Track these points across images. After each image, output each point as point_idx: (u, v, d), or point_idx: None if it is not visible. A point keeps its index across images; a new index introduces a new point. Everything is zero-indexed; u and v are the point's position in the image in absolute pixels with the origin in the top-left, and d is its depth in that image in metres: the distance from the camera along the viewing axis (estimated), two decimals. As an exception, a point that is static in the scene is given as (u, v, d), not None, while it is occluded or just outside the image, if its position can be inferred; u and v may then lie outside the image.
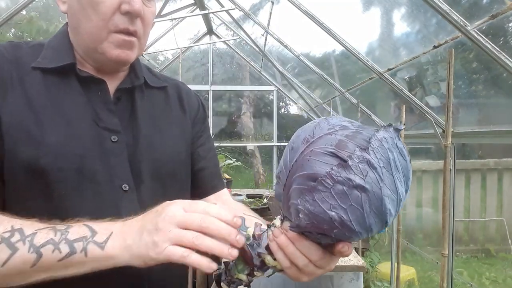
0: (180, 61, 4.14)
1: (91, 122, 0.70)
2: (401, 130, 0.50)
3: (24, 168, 0.64)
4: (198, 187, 0.88)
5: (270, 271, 0.58)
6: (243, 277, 0.59)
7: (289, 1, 2.66)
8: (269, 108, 5.58)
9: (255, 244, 0.58)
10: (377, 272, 3.25)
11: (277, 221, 0.57)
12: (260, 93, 5.77)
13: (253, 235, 0.58)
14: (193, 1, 3.66)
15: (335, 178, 0.45)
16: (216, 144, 5.08)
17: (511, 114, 2.07)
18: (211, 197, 0.89)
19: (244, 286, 0.60)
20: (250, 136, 5.86)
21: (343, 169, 0.45)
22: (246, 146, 5.75)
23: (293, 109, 6.70)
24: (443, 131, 2.34)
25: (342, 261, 1.46)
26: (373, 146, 0.46)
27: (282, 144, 5.41)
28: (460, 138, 2.37)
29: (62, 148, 0.66)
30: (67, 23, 0.77)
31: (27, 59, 0.70)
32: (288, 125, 6.26)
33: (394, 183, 0.47)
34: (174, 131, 0.83)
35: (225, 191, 0.91)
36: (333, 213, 0.46)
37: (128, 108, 0.77)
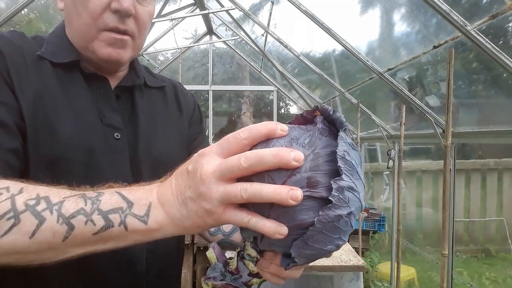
0: (180, 61, 4.14)
1: (96, 118, 0.70)
2: (344, 124, 0.48)
3: (40, 156, 0.63)
4: None
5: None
6: None
7: (289, 1, 2.66)
8: (269, 108, 5.58)
9: (236, 277, 0.58)
10: (377, 272, 3.25)
11: (251, 251, 0.57)
12: (260, 93, 5.77)
13: (230, 271, 0.59)
14: (193, 1, 3.66)
15: (325, 221, 0.44)
16: (216, 144, 5.08)
17: (511, 114, 2.07)
18: None
19: None
20: (250, 136, 5.86)
21: (329, 210, 0.44)
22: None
23: (293, 109, 6.70)
24: (443, 131, 2.34)
25: (342, 261, 1.46)
26: (342, 168, 0.44)
27: (282, 144, 5.40)
28: (460, 138, 2.37)
29: (73, 139, 0.65)
30: (63, 20, 0.76)
31: (32, 48, 0.69)
32: (288, 125, 6.25)
33: (362, 181, 0.47)
34: (171, 132, 0.83)
35: None
36: (330, 246, 0.47)
37: (128, 107, 0.77)
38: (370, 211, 3.14)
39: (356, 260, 1.48)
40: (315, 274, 1.47)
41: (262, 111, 5.94)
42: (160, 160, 0.76)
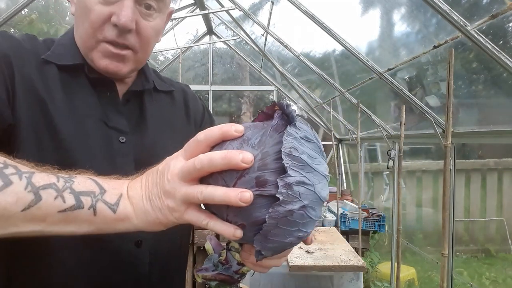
0: (180, 61, 4.14)
1: (100, 121, 0.70)
2: (296, 120, 0.48)
3: (43, 160, 0.62)
4: None
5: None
6: None
7: (289, 1, 2.66)
8: (269, 108, 5.58)
9: (227, 267, 0.62)
10: (377, 272, 3.25)
11: (235, 244, 0.60)
12: (260, 93, 5.77)
13: (221, 262, 0.62)
14: (193, 1, 3.66)
15: (277, 217, 0.45)
16: (216, 144, 5.08)
17: (511, 114, 2.07)
18: None
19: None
20: (250, 136, 5.86)
21: (279, 206, 0.45)
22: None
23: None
24: (443, 131, 2.34)
25: (342, 261, 1.46)
26: (288, 165, 0.45)
27: (282, 144, 5.40)
28: (460, 138, 2.37)
29: (73, 143, 0.66)
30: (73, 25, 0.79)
31: (41, 51, 0.70)
32: (288, 125, 6.25)
33: (318, 173, 0.48)
34: (179, 137, 0.81)
35: None
36: (290, 238, 0.48)
37: (136, 110, 0.77)
38: (370, 211, 3.14)
39: (356, 260, 1.48)
40: (315, 274, 1.47)
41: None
42: None
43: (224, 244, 0.65)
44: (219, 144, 0.49)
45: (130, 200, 0.51)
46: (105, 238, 0.65)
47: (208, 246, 0.67)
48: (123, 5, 0.65)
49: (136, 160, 0.72)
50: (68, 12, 4.24)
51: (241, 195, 0.43)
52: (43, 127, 0.64)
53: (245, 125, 0.50)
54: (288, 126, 0.48)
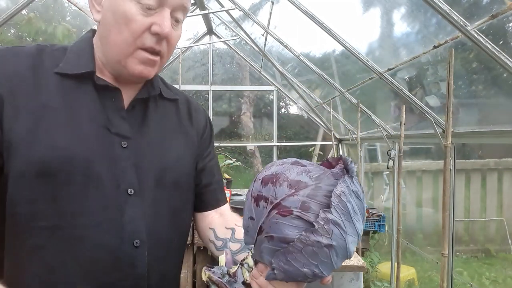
0: (180, 61, 4.14)
1: (103, 127, 0.74)
2: (354, 175, 0.54)
3: (36, 171, 0.66)
4: (202, 200, 0.92)
5: None
6: None
7: (289, 1, 2.66)
8: (269, 108, 5.57)
9: (232, 281, 0.66)
10: (377, 272, 3.25)
11: (249, 260, 0.64)
12: (260, 93, 5.77)
13: (228, 273, 0.66)
14: (193, 1, 3.66)
15: (305, 241, 0.50)
16: (216, 144, 5.08)
17: (511, 114, 2.07)
18: (212, 211, 0.93)
19: None
20: (250, 136, 5.86)
21: (311, 233, 0.50)
22: (246, 146, 5.75)
23: (293, 109, 6.69)
24: (443, 131, 2.33)
25: (342, 261, 1.46)
26: (334, 204, 0.50)
27: (282, 144, 5.41)
28: (460, 138, 2.37)
29: (70, 151, 0.69)
30: (91, 30, 0.82)
31: (49, 64, 0.73)
32: (288, 125, 6.26)
33: (354, 228, 0.53)
34: (181, 143, 0.86)
35: (226, 205, 0.97)
36: (306, 269, 0.52)
37: (140, 116, 0.80)
38: (370, 211, 3.13)
39: (356, 260, 1.48)
40: (315, 274, 1.47)
41: (262, 111, 5.94)
42: (168, 168, 0.80)
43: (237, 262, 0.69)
44: (282, 165, 0.56)
45: None
46: (104, 239, 0.70)
47: (222, 258, 0.71)
48: (163, 16, 0.71)
49: (137, 165, 0.75)
50: (68, 13, 4.24)
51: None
52: (39, 140, 0.67)
53: (310, 163, 0.57)
54: (346, 175, 0.54)
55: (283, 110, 6.82)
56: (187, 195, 0.87)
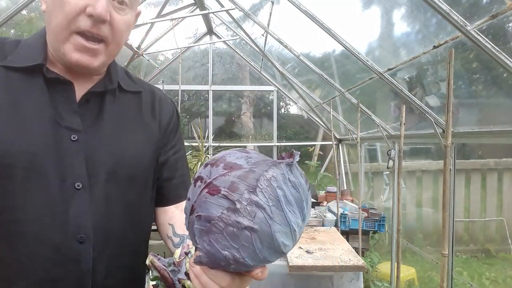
0: (180, 61, 4.14)
1: (51, 121, 0.72)
2: (293, 164, 0.52)
3: None
4: (162, 195, 0.90)
5: None
6: None
7: (289, 1, 2.66)
8: (269, 108, 5.58)
9: (176, 270, 0.65)
10: (377, 272, 3.25)
11: (193, 250, 0.62)
12: (260, 93, 5.77)
13: (174, 263, 0.65)
14: (193, 1, 3.66)
15: (226, 221, 0.48)
16: (216, 144, 5.09)
17: (511, 114, 2.07)
18: (172, 207, 0.90)
19: None
20: (250, 136, 5.86)
21: (233, 213, 0.48)
22: (246, 146, 5.75)
23: (293, 109, 6.70)
24: (443, 131, 2.34)
25: (342, 261, 1.46)
26: (261, 187, 0.48)
27: (282, 144, 5.41)
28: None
29: (12, 145, 0.67)
30: None
31: None
32: (288, 125, 6.26)
33: (285, 217, 0.50)
34: (140, 136, 0.84)
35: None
36: (226, 252, 0.50)
37: (95, 110, 0.78)
38: (370, 211, 3.14)
39: (356, 260, 1.47)
40: (315, 274, 1.46)
41: (262, 111, 5.94)
42: (122, 162, 0.78)
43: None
44: (228, 151, 0.55)
45: None
46: (46, 234, 0.69)
47: (177, 252, 0.69)
48: None
49: (89, 159, 0.74)
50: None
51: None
52: None
53: (257, 153, 0.56)
54: (284, 163, 0.51)
55: (283, 110, 6.83)
56: (145, 190, 0.85)
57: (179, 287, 0.65)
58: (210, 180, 0.52)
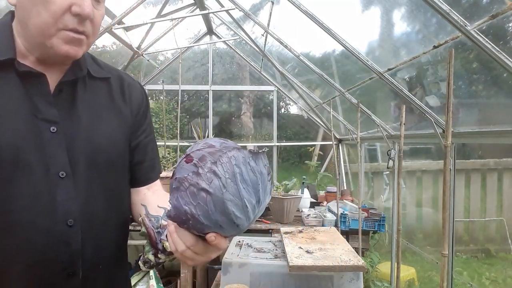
0: (180, 61, 4.14)
1: (29, 114, 0.75)
2: (257, 153, 0.62)
3: None
4: (134, 177, 0.95)
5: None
6: (151, 257, 0.79)
7: (289, 1, 2.66)
8: (269, 108, 5.57)
9: (160, 232, 0.78)
10: (377, 272, 3.25)
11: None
12: (260, 93, 5.77)
13: (160, 225, 0.78)
14: (193, 1, 3.66)
15: (189, 181, 0.60)
16: (216, 144, 5.08)
17: (511, 114, 2.07)
18: (144, 188, 0.96)
19: (156, 265, 0.79)
20: (250, 136, 5.86)
21: (195, 176, 0.60)
22: (246, 146, 5.75)
23: (293, 109, 6.70)
24: (443, 131, 2.33)
25: (342, 261, 1.46)
26: (221, 161, 0.60)
27: (282, 144, 5.41)
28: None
29: None
30: (9, 12, 0.80)
31: None
32: (288, 125, 6.26)
33: (238, 191, 0.60)
34: (114, 122, 0.88)
35: (157, 182, 1.00)
36: (186, 207, 0.60)
37: (68, 99, 0.81)
38: (370, 211, 3.13)
39: (356, 260, 1.47)
40: (315, 274, 1.46)
41: (262, 111, 5.95)
42: (101, 148, 0.83)
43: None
44: (212, 138, 0.68)
45: None
46: (37, 222, 0.73)
47: (163, 222, 0.81)
48: None
49: (69, 148, 0.78)
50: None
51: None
52: None
53: (237, 145, 0.65)
54: (250, 150, 0.62)
55: (283, 110, 6.83)
56: (123, 174, 0.90)
57: (160, 246, 0.78)
58: (189, 153, 0.64)
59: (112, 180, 0.86)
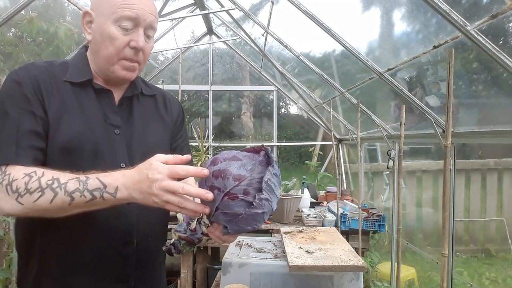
0: (180, 61, 4.14)
1: (102, 119, 1.02)
2: (274, 164, 0.84)
3: (60, 148, 0.94)
4: None
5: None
6: (189, 249, 1.01)
7: (289, 1, 2.66)
8: (269, 108, 5.57)
9: (193, 234, 0.96)
10: (377, 272, 3.25)
11: (205, 220, 0.91)
12: (260, 93, 5.77)
13: (190, 229, 0.97)
14: (193, 1, 3.66)
15: (249, 213, 0.81)
16: (216, 144, 5.08)
17: (511, 114, 2.06)
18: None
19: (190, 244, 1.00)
20: (250, 136, 5.86)
21: (252, 209, 0.81)
22: (246, 146, 5.75)
23: (293, 109, 6.69)
24: (443, 131, 2.34)
25: (342, 261, 1.45)
26: (264, 188, 0.81)
27: (282, 144, 5.41)
28: (460, 138, 2.37)
29: (83, 135, 0.97)
30: (83, 46, 1.10)
31: (59, 74, 1.01)
32: (288, 125, 6.26)
33: (275, 195, 0.83)
34: (159, 128, 1.16)
35: (190, 179, 1.20)
36: (249, 227, 0.84)
37: (127, 110, 1.09)
38: (370, 211, 3.13)
39: (356, 260, 1.47)
40: (315, 274, 1.46)
41: (262, 111, 5.94)
42: (150, 148, 1.03)
43: (193, 220, 0.99)
44: (225, 161, 0.84)
45: (126, 189, 0.84)
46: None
47: (180, 216, 1.02)
48: (138, 34, 0.99)
49: (128, 146, 1.05)
50: (67, 13, 4.24)
51: (207, 194, 0.80)
52: (62, 127, 0.95)
53: (242, 154, 0.85)
54: (270, 165, 0.83)
55: (283, 110, 6.83)
56: None
57: (197, 241, 0.97)
58: (228, 190, 0.81)
59: None
